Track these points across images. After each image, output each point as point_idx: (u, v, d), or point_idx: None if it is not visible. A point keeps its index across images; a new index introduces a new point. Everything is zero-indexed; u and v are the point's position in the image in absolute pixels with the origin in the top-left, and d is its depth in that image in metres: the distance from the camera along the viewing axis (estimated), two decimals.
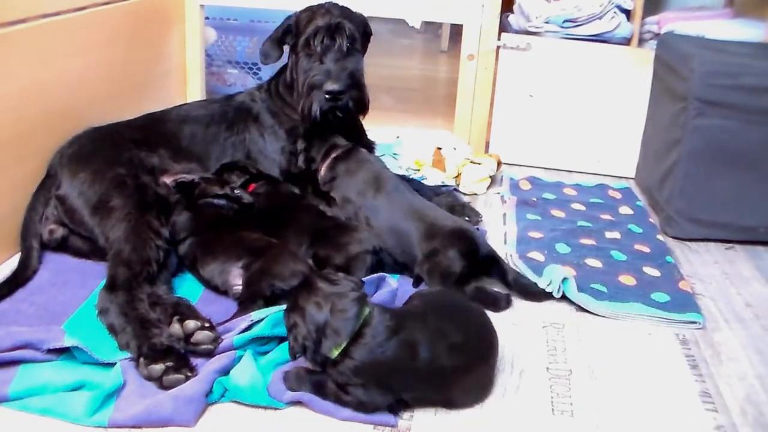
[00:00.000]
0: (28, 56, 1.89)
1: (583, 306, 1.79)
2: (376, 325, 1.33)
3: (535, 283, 1.84)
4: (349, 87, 2.01)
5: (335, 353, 1.32)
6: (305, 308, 1.35)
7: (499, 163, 2.64)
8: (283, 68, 2.23)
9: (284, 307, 1.55)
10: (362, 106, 2.08)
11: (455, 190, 2.50)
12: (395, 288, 1.66)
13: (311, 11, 2.11)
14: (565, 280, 1.82)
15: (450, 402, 1.41)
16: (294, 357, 1.39)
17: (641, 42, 2.81)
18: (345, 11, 2.11)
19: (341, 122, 2.07)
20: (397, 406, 1.37)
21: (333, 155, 2.01)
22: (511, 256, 2.03)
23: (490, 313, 1.56)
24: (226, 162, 2.10)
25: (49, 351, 1.45)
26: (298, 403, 1.40)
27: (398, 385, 1.35)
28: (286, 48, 2.19)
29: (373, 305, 1.38)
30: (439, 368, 1.35)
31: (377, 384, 1.33)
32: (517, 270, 1.91)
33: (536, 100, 2.78)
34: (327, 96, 1.99)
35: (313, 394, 1.39)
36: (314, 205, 2.04)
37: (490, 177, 2.55)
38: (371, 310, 1.36)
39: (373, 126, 2.39)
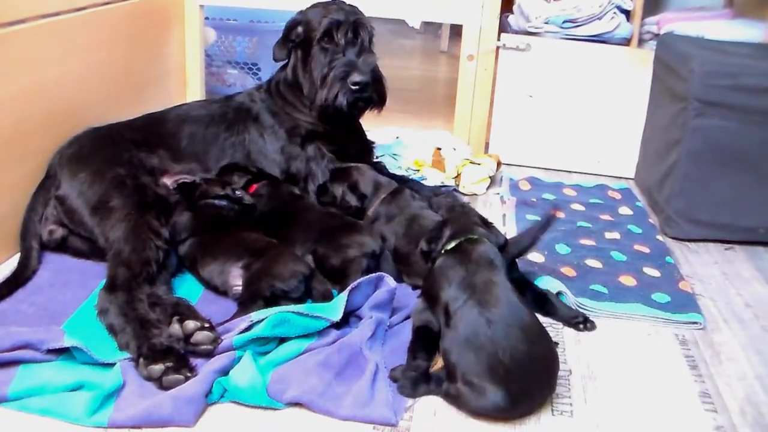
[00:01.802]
0: (28, 56, 1.89)
1: (584, 309, 1.79)
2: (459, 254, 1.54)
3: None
4: (373, 80, 2.05)
5: (442, 246, 1.59)
6: (447, 224, 1.65)
7: (499, 164, 2.65)
8: (283, 67, 2.23)
9: (284, 307, 1.56)
10: (383, 100, 2.13)
11: (455, 190, 2.50)
12: (393, 287, 1.66)
13: (323, 7, 2.12)
14: (560, 294, 1.80)
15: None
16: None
17: (641, 42, 2.81)
18: (356, 8, 2.14)
19: (360, 114, 2.14)
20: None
21: (381, 197, 2.03)
22: None
23: None
24: (226, 164, 2.10)
25: (49, 351, 1.45)
26: (297, 403, 1.40)
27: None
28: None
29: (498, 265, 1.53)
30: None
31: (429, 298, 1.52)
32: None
33: (536, 101, 2.78)
34: (354, 87, 2.02)
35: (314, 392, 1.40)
36: (316, 204, 2.05)
37: (490, 177, 2.55)
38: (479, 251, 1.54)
39: (372, 126, 2.39)
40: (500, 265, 1.52)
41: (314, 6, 2.16)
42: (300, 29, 2.13)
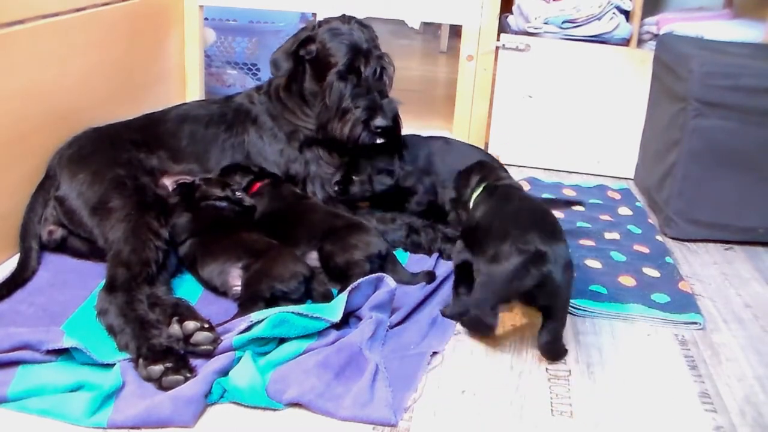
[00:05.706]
0: (28, 57, 1.89)
1: (584, 310, 1.80)
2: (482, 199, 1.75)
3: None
4: (392, 123, 2.06)
5: (472, 191, 1.77)
6: (474, 172, 1.82)
7: None
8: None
9: (284, 307, 1.56)
10: (398, 145, 2.16)
11: None
12: (393, 288, 1.66)
13: (339, 28, 2.06)
14: None
15: None
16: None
17: (640, 43, 2.81)
18: (371, 30, 2.10)
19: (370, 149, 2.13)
20: None
21: None
22: None
23: None
24: (228, 164, 2.09)
25: (48, 352, 1.45)
26: (297, 404, 1.40)
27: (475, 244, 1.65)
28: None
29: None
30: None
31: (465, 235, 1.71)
32: None
33: (535, 101, 2.78)
34: (376, 130, 2.01)
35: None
36: (320, 204, 2.05)
37: None
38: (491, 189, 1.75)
39: None
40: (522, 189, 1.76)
41: (327, 22, 2.09)
42: (312, 47, 2.08)
